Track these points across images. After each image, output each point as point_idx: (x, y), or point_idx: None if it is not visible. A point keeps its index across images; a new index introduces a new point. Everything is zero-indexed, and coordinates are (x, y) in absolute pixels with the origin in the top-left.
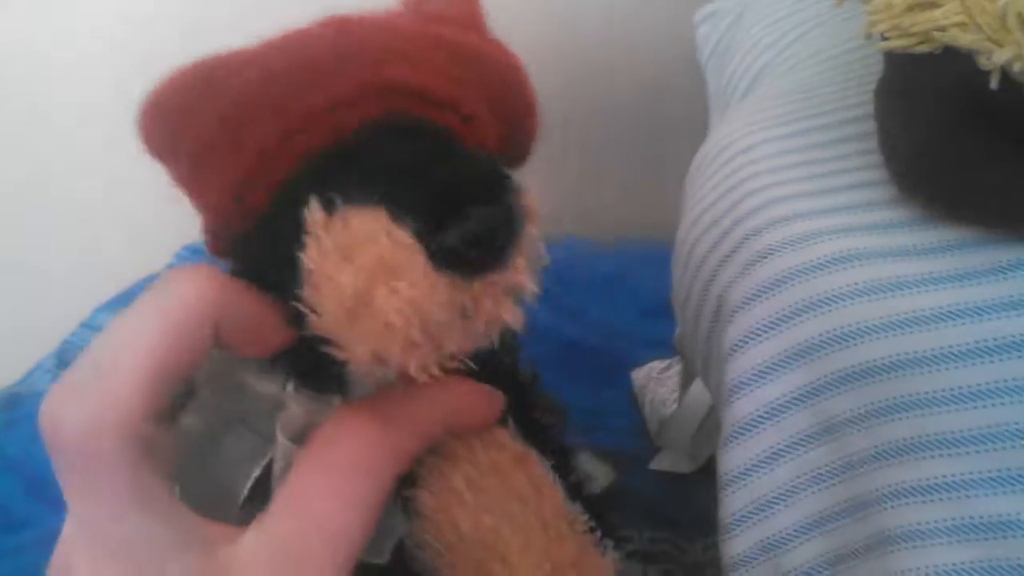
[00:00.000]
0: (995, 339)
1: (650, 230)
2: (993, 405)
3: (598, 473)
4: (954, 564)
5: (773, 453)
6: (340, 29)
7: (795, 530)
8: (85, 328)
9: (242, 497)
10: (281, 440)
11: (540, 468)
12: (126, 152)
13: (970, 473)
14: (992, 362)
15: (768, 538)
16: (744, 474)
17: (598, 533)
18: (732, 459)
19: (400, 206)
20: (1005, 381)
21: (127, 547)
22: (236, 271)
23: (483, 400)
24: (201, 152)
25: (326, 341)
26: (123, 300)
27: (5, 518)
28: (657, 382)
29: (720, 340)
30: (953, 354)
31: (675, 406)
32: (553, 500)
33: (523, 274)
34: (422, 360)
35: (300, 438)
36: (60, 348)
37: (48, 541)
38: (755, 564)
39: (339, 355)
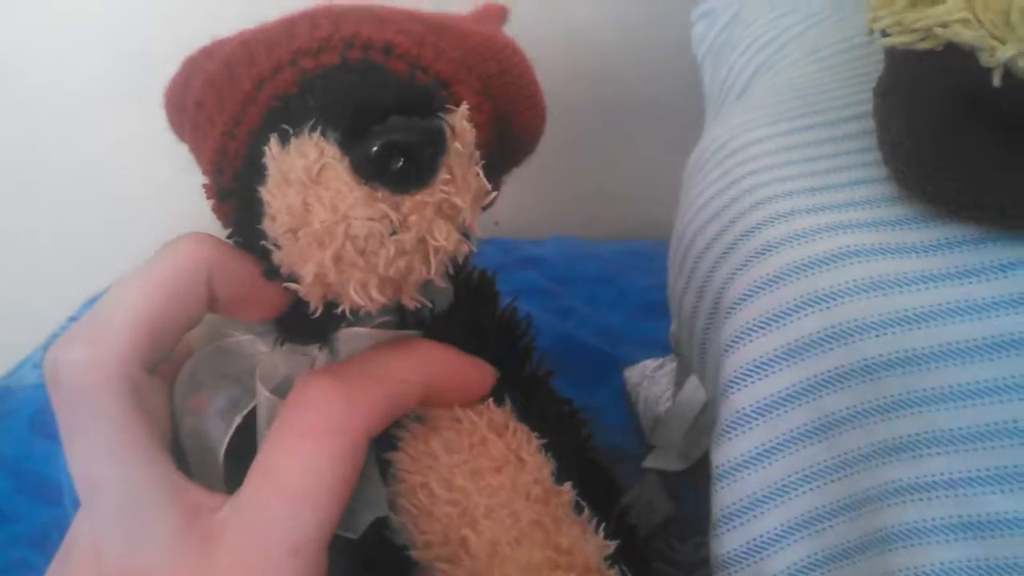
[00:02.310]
0: (996, 337)
1: (642, 229)
2: (994, 403)
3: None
4: (953, 562)
5: (766, 450)
6: (321, 6)
7: (784, 530)
8: (73, 322)
9: (222, 449)
10: (262, 392)
11: (526, 442)
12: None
13: (970, 471)
14: (993, 360)
15: (754, 539)
16: (734, 469)
17: (585, 511)
18: (723, 454)
19: (328, 123)
20: (1006, 379)
21: (112, 491)
22: (232, 235)
23: (469, 369)
24: (195, 114)
25: (291, 279)
26: None
27: None
28: (650, 380)
29: (717, 336)
30: (954, 351)
31: (668, 404)
32: (533, 470)
33: (454, 195)
34: (360, 280)
35: (282, 391)
36: (48, 343)
37: (37, 536)
38: (739, 567)
39: (298, 289)
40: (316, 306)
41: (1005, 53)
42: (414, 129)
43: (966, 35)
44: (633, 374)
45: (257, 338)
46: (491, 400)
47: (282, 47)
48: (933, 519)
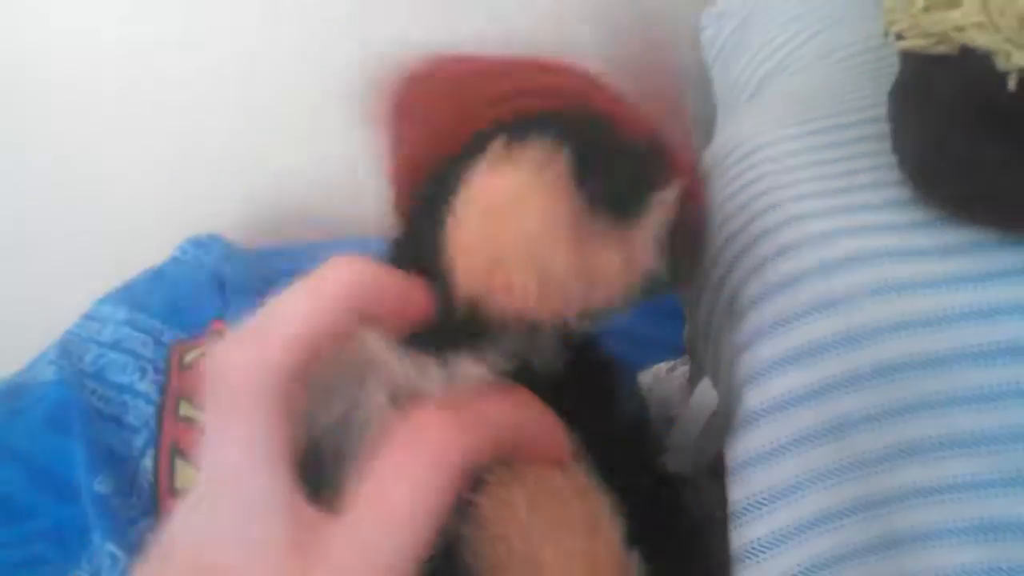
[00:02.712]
0: (1013, 340)
1: None
2: (1013, 406)
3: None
4: (969, 564)
5: (775, 449)
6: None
7: (792, 529)
8: (87, 319)
9: (312, 436)
10: (377, 398)
11: (603, 507)
12: (128, 144)
13: (987, 473)
14: (1009, 363)
15: (761, 537)
16: (743, 467)
17: None
18: (734, 452)
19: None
20: (1020, 383)
21: (235, 493)
22: (399, 239)
23: (553, 432)
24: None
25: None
26: (125, 292)
27: (8, 509)
28: (663, 383)
29: (732, 337)
30: (971, 354)
31: (681, 406)
32: (608, 540)
33: (642, 246)
34: (528, 297)
35: (395, 400)
36: (62, 339)
37: (50, 533)
38: (747, 564)
39: (460, 285)
40: (462, 302)
41: (1021, 58)
42: (634, 172)
43: (982, 39)
44: (646, 377)
45: (380, 337)
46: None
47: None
48: (950, 521)
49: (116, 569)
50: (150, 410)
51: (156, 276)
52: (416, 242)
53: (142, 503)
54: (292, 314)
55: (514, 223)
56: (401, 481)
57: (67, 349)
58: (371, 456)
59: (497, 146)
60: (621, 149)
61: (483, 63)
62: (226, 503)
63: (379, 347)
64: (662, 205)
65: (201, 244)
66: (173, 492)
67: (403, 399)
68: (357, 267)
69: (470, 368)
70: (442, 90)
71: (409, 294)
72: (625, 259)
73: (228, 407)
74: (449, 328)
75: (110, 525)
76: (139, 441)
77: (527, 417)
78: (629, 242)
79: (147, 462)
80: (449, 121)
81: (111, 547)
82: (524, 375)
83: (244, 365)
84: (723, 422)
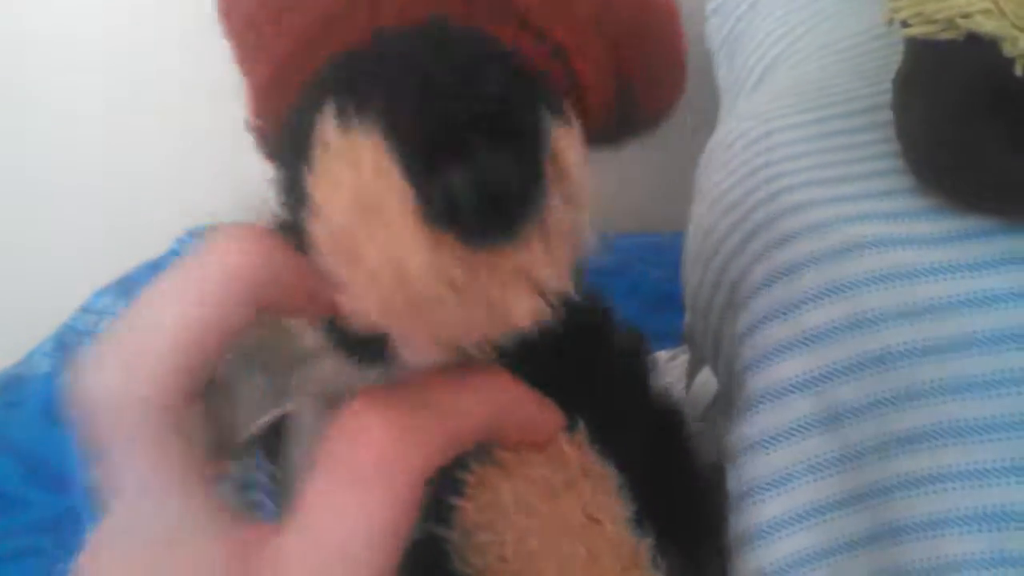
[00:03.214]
0: (1013, 328)
1: (652, 222)
2: (1010, 394)
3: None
4: (967, 554)
5: (770, 437)
6: None
7: (785, 519)
8: (85, 312)
9: (241, 440)
10: (305, 400)
11: (602, 494)
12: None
13: (985, 462)
14: (1009, 351)
15: (755, 526)
16: (739, 454)
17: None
18: (732, 440)
19: (398, 131)
20: (1022, 370)
21: (150, 524)
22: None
23: (537, 408)
24: (244, 34)
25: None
26: (123, 284)
27: (3, 500)
28: (662, 372)
29: (733, 326)
30: (971, 342)
31: (681, 395)
32: (610, 535)
33: (541, 258)
34: (407, 336)
35: (330, 399)
36: (60, 331)
37: (46, 524)
38: (741, 552)
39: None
40: (362, 329)
41: None
42: (503, 171)
43: (988, 25)
44: None
45: (304, 337)
46: (563, 437)
47: None
48: (949, 510)
49: None
50: None
51: (154, 268)
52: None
53: None
54: (164, 318)
55: (372, 280)
56: (331, 511)
57: (64, 342)
58: (309, 466)
59: (327, 127)
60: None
61: None
62: (145, 540)
63: (298, 342)
64: (561, 178)
65: (200, 236)
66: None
67: (338, 395)
68: (246, 247)
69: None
70: None
71: (311, 280)
72: (532, 274)
73: (108, 436)
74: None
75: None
76: None
77: (498, 400)
78: (527, 252)
79: None
80: (284, 48)
81: None
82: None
83: (115, 391)
84: (722, 411)
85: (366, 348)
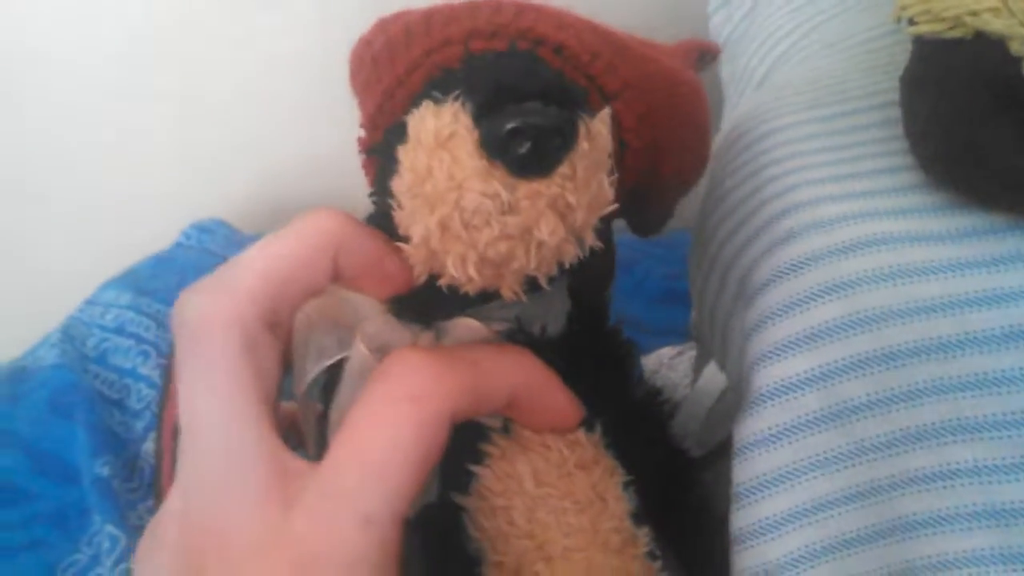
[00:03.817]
0: (1022, 326)
1: None
2: (1019, 392)
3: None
4: (975, 550)
5: (776, 433)
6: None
7: (789, 515)
8: (90, 304)
9: (306, 381)
10: (359, 347)
11: (611, 480)
12: (133, 128)
13: (994, 459)
14: (1019, 348)
15: (759, 521)
16: (745, 449)
17: (658, 563)
18: (738, 434)
19: (469, 94)
20: None
21: (210, 437)
22: (371, 193)
23: (559, 395)
24: (369, 71)
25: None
26: (129, 277)
27: (10, 492)
28: (668, 368)
29: (740, 322)
30: (979, 340)
31: (687, 391)
32: (615, 516)
33: (571, 192)
34: (460, 253)
35: (378, 353)
36: (65, 323)
37: (55, 516)
38: (744, 547)
39: (405, 249)
40: (420, 274)
41: None
42: (547, 116)
43: (996, 24)
44: (651, 361)
45: (372, 305)
46: (581, 431)
47: (459, 24)
48: (957, 507)
49: (116, 551)
50: (152, 394)
51: (160, 261)
52: (381, 211)
53: (143, 486)
54: (260, 258)
55: (438, 202)
56: (375, 427)
57: (70, 333)
58: (352, 404)
59: (419, 113)
60: (533, 87)
61: (435, 9)
62: (204, 454)
63: (366, 308)
64: (591, 139)
65: (205, 229)
66: (174, 475)
67: (388, 348)
68: (334, 217)
69: (462, 331)
70: (391, 42)
71: (387, 255)
72: (561, 204)
73: (195, 358)
74: (436, 296)
75: (111, 508)
76: (141, 425)
77: (527, 375)
78: (559, 186)
79: (148, 445)
80: (394, 75)
81: (111, 529)
82: (530, 343)
83: (208, 315)
84: (731, 405)
85: (420, 316)
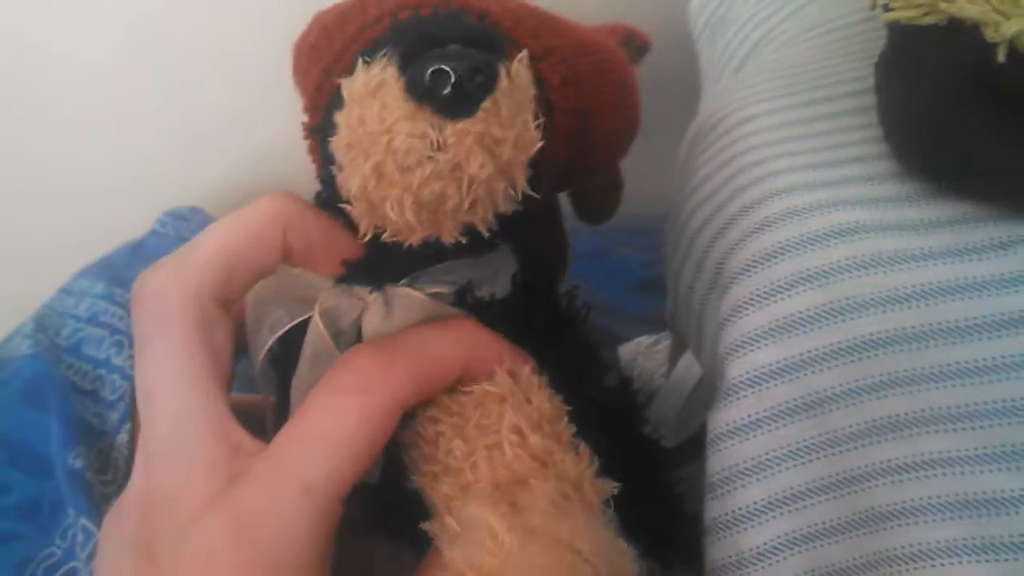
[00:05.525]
0: (993, 316)
1: (633, 206)
2: (991, 381)
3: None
4: (947, 541)
5: (750, 422)
6: None
7: (763, 505)
8: (64, 293)
9: (261, 353)
10: (317, 321)
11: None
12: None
13: (966, 449)
14: (990, 339)
15: (732, 511)
16: (719, 439)
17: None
18: (712, 424)
19: (395, 46)
20: (1003, 358)
21: (165, 411)
22: (318, 174)
23: (509, 356)
24: (308, 57)
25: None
26: (104, 265)
27: None
28: (645, 356)
29: (715, 311)
30: (950, 330)
31: (663, 380)
32: (545, 410)
33: (495, 127)
34: (396, 197)
35: (332, 320)
36: (38, 313)
37: (28, 508)
38: (718, 537)
39: (350, 211)
40: (365, 230)
41: (1010, 28)
42: (468, 58)
43: (970, 10)
44: (627, 350)
45: (323, 283)
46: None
47: (391, 1)
48: (929, 498)
49: (90, 545)
50: (126, 385)
51: (135, 249)
52: (325, 181)
53: (117, 478)
54: (212, 237)
55: (372, 147)
56: (324, 412)
57: (43, 323)
58: (310, 383)
59: (351, 76)
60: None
61: None
62: (159, 427)
63: (318, 285)
64: (512, 79)
65: (181, 217)
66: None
67: (344, 331)
68: (281, 196)
69: (403, 299)
70: (327, 28)
71: (334, 230)
72: (488, 141)
73: (151, 334)
74: (384, 258)
75: (85, 500)
76: (115, 416)
77: (472, 347)
78: (484, 122)
79: (122, 437)
80: (331, 53)
81: (85, 522)
82: (476, 308)
83: (162, 288)
84: (706, 395)
85: (368, 275)
